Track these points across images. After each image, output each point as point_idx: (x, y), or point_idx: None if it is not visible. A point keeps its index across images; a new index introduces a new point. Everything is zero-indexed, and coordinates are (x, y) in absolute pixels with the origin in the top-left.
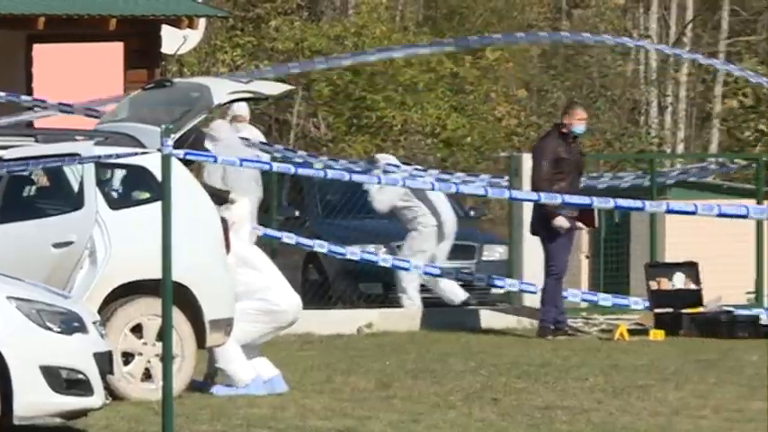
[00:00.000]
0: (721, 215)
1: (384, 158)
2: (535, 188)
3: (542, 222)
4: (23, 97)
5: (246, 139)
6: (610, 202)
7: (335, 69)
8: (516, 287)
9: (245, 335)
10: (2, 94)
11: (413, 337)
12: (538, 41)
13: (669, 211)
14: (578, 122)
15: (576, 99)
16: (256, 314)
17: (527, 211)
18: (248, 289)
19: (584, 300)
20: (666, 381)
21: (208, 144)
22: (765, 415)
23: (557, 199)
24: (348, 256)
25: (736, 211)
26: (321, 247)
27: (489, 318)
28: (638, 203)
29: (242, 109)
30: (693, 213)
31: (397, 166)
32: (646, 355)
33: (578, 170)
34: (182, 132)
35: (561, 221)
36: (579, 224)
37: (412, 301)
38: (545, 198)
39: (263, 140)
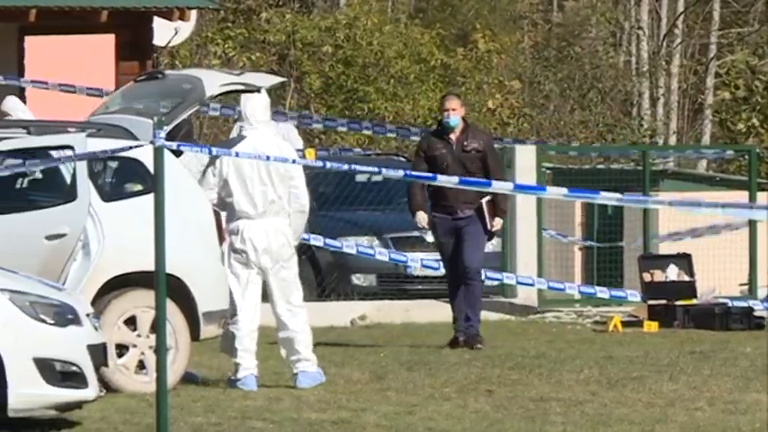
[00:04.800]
0: (725, 205)
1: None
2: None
3: None
4: (23, 80)
5: None
6: (614, 198)
7: None
8: (513, 280)
9: None
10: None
11: (407, 329)
12: None
13: (671, 203)
14: (446, 113)
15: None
16: None
17: (521, 203)
18: None
19: (581, 292)
20: (661, 372)
21: None
22: (761, 406)
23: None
24: (344, 250)
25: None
26: (317, 240)
27: (484, 310)
28: (640, 198)
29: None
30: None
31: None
32: (640, 347)
33: (463, 166)
34: (174, 124)
35: (420, 217)
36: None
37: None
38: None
39: None
